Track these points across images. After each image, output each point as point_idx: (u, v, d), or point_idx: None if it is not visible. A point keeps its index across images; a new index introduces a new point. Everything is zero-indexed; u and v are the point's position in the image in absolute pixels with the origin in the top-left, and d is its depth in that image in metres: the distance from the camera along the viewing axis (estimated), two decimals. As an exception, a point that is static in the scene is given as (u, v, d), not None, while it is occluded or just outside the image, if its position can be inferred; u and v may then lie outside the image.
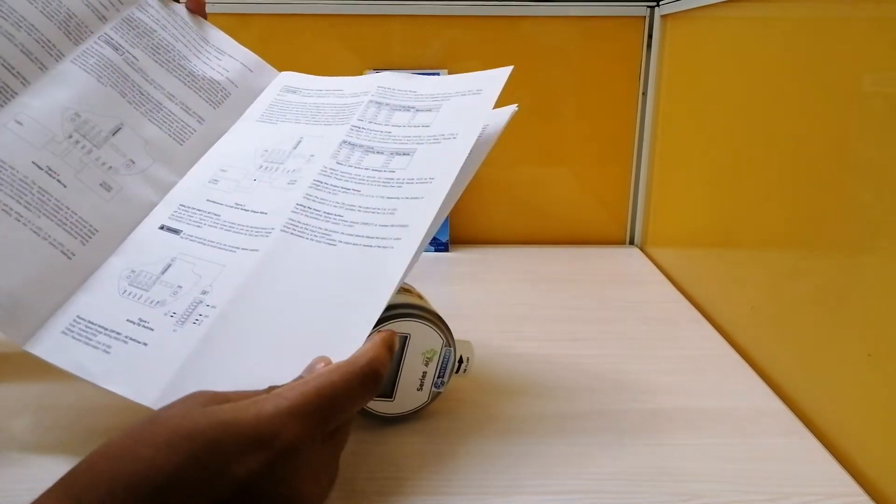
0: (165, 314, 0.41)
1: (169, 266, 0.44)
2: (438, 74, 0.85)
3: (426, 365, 0.44)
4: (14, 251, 0.41)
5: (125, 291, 0.43)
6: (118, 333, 0.40)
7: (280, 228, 0.44)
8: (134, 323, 0.41)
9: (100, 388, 0.39)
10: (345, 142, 0.49)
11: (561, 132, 0.88)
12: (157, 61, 0.51)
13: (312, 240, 0.43)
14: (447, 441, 0.44)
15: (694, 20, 0.73)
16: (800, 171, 0.50)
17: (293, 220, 0.44)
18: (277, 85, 0.57)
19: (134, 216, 0.46)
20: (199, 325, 0.40)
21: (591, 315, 0.66)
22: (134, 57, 0.50)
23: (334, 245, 0.42)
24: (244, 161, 0.50)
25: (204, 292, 0.42)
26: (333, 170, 0.47)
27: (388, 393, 0.44)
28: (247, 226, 0.45)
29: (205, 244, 0.45)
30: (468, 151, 0.44)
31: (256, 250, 0.43)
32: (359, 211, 0.44)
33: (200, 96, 0.53)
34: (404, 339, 0.43)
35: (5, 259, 0.41)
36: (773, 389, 0.51)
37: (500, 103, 0.49)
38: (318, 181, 0.46)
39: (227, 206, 0.47)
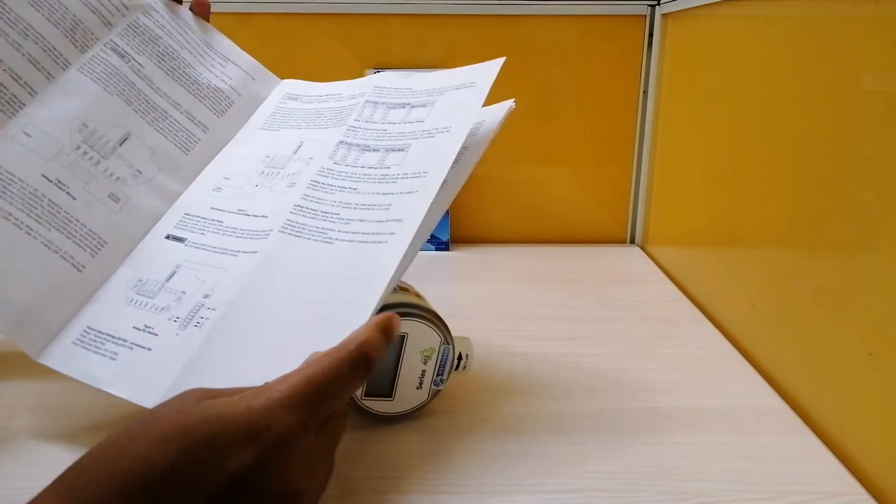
0: (169, 319, 0.42)
1: (174, 273, 0.44)
2: (438, 73, 0.85)
3: (425, 363, 0.44)
4: (27, 265, 0.42)
5: (132, 300, 0.43)
6: (125, 340, 0.41)
7: (278, 230, 0.44)
8: (140, 330, 0.42)
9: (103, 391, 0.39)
10: (341, 142, 0.49)
11: (561, 131, 0.88)
12: (162, 69, 0.51)
13: (310, 239, 0.43)
14: (445, 440, 0.44)
15: (695, 19, 0.73)
16: (801, 170, 0.50)
17: (291, 221, 0.45)
18: (279, 93, 0.57)
19: (141, 227, 0.47)
20: (199, 328, 0.41)
21: (591, 314, 0.66)
22: (140, 64, 0.50)
23: (331, 243, 0.42)
24: (247, 168, 0.50)
25: (206, 296, 0.42)
26: (330, 170, 0.47)
27: (388, 392, 0.44)
28: (248, 230, 0.46)
29: (208, 250, 0.45)
30: (461, 143, 0.44)
31: (256, 252, 0.44)
32: (355, 208, 0.44)
33: (205, 105, 0.53)
34: (402, 339, 0.43)
35: (18, 273, 0.41)
36: (773, 388, 0.51)
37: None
38: (315, 181, 0.47)
39: (230, 212, 0.47)
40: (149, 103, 0.50)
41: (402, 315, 0.42)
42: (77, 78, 0.47)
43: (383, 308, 0.39)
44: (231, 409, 0.29)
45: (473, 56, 0.84)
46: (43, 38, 0.46)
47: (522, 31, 0.84)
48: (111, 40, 0.49)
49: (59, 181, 0.44)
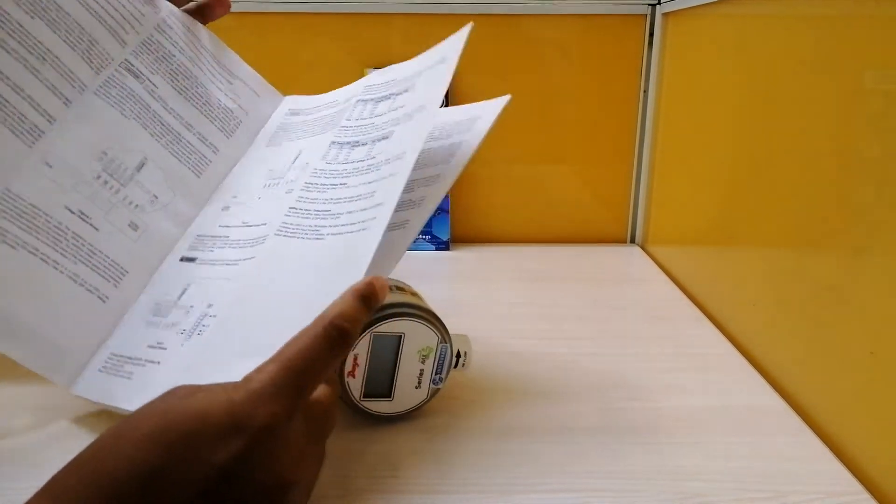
0: (177, 333, 0.43)
1: (185, 291, 0.45)
2: (439, 73, 0.85)
3: (423, 362, 0.44)
4: (56, 300, 0.42)
5: (150, 322, 0.44)
6: (139, 359, 0.42)
7: (274, 233, 0.45)
8: (153, 347, 0.43)
9: None
10: (333, 142, 0.50)
11: (562, 130, 0.88)
12: (175, 88, 0.51)
13: (304, 238, 0.44)
14: (445, 439, 0.44)
15: (695, 18, 0.73)
16: (801, 169, 0.50)
17: (286, 224, 0.45)
18: (282, 110, 0.58)
19: (158, 253, 0.47)
20: (202, 335, 0.42)
21: (592, 313, 0.66)
22: (154, 84, 0.49)
23: (322, 239, 0.43)
24: (253, 185, 0.51)
25: (209, 305, 0.43)
26: (322, 170, 0.48)
27: (387, 393, 0.44)
28: (249, 238, 0.46)
29: (215, 264, 0.46)
30: (433, 118, 0.44)
31: (253, 258, 0.44)
32: (345, 202, 0.44)
33: (215, 125, 0.53)
34: (399, 339, 0.43)
35: (49, 309, 0.42)
36: (773, 388, 0.51)
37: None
38: (309, 183, 0.47)
39: (235, 226, 0.48)
40: (163, 125, 0.49)
41: (398, 315, 0.42)
42: (94, 102, 0.46)
43: (379, 308, 0.39)
44: (212, 403, 0.28)
45: (474, 55, 0.85)
46: (60, 61, 0.44)
47: (523, 30, 0.84)
48: (126, 60, 0.48)
49: (82, 212, 0.44)
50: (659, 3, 0.82)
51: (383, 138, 0.47)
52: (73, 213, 0.43)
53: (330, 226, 0.43)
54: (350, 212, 0.43)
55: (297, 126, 0.55)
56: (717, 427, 0.45)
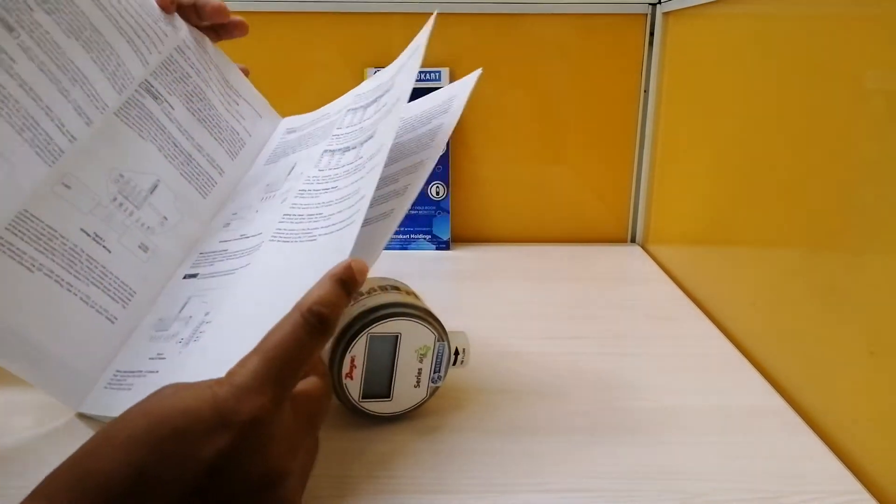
0: (176, 342, 0.43)
1: (185, 304, 0.45)
2: (439, 73, 0.85)
3: (421, 361, 0.44)
4: (67, 322, 0.42)
5: (152, 337, 0.45)
6: (140, 371, 0.43)
7: (268, 240, 0.46)
8: (153, 359, 0.43)
9: None
10: (325, 151, 0.50)
11: (562, 130, 0.88)
12: (189, 110, 0.51)
13: (297, 241, 0.44)
14: (444, 439, 0.44)
15: (695, 17, 0.73)
16: (801, 168, 0.50)
17: (280, 230, 0.46)
18: (280, 131, 0.59)
19: (165, 273, 0.48)
20: (198, 340, 0.42)
21: (592, 313, 0.66)
22: (171, 106, 0.49)
23: (314, 240, 0.43)
24: (252, 200, 0.52)
25: (206, 313, 0.44)
26: (315, 177, 0.48)
27: (386, 393, 0.44)
28: (245, 248, 0.47)
29: (214, 276, 0.46)
30: (403, 106, 0.44)
31: (248, 265, 0.45)
32: (335, 203, 0.44)
33: (222, 147, 0.53)
34: (396, 339, 0.43)
35: (60, 331, 0.42)
36: (774, 387, 0.51)
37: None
38: (302, 191, 0.48)
39: (233, 240, 0.49)
40: (176, 147, 0.49)
41: (394, 315, 0.42)
42: (114, 124, 0.46)
43: (375, 308, 0.39)
44: (197, 400, 0.28)
45: (474, 55, 0.85)
46: (89, 82, 0.44)
47: (523, 30, 0.84)
48: (146, 80, 0.48)
49: (97, 235, 0.44)
50: (659, 2, 0.82)
51: (369, 138, 0.47)
52: (88, 235, 0.43)
53: (322, 227, 0.43)
54: (340, 211, 0.44)
55: (293, 142, 0.56)
56: (717, 427, 0.45)
